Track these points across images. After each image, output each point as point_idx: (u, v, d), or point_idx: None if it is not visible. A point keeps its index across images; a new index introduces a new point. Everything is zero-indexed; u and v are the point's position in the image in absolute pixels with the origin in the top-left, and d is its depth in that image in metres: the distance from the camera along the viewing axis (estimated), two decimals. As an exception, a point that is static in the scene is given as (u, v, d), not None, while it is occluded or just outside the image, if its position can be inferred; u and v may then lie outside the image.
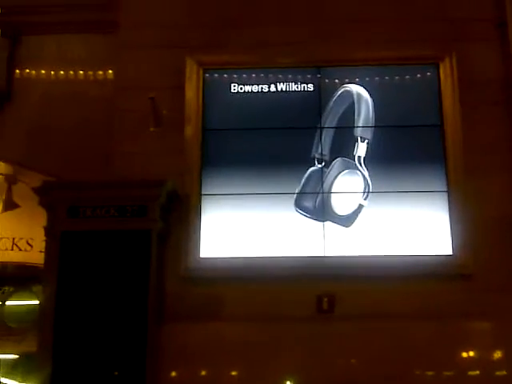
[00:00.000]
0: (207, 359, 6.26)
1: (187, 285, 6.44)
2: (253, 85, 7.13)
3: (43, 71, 7.59)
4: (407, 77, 7.02)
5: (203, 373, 6.28)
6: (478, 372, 6.19)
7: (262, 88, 7.12)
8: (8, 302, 8.00)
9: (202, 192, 6.82)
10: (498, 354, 6.22)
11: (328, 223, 6.71)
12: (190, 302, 6.38)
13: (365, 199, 6.73)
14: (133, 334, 6.12)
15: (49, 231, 6.51)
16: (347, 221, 6.71)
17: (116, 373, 6.02)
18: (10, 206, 7.12)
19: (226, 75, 7.18)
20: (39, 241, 6.91)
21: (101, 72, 7.56)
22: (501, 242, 6.46)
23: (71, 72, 7.57)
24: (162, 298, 6.39)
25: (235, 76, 7.16)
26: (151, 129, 6.88)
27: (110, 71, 7.50)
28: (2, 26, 7.53)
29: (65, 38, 7.67)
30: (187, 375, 6.28)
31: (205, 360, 6.27)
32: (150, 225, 6.43)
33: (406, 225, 6.63)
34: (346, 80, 7.07)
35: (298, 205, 6.76)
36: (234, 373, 6.31)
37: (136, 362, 6.05)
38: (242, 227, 6.71)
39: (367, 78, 7.05)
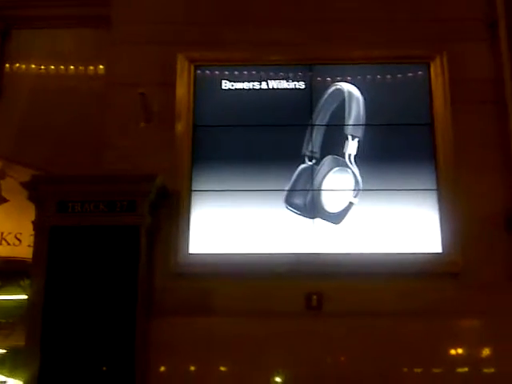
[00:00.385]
0: (196, 354, 6.27)
1: (176, 280, 6.43)
2: (244, 82, 7.14)
3: (33, 65, 7.56)
4: (398, 76, 7.04)
5: (192, 368, 6.29)
6: (466, 369, 6.23)
7: (253, 85, 7.13)
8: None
9: (192, 188, 6.80)
10: (486, 352, 6.27)
11: (318, 220, 6.72)
12: (179, 298, 6.37)
13: (355, 197, 6.75)
14: (122, 329, 6.11)
15: (37, 226, 6.48)
16: (337, 218, 6.72)
17: (104, 368, 6.02)
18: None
19: (217, 72, 7.18)
20: (28, 235, 6.89)
21: (92, 67, 7.54)
22: (490, 240, 6.51)
23: (62, 67, 7.54)
24: (150, 293, 6.37)
25: (227, 73, 7.16)
26: (142, 124, 6.91)
27: (101, 66, 7.48)
28: (-8, 19, 7.56)
29: (56, 33, 7.65)
30: (176, 370, 6.29)
31: (194, 355, 6.27)
32: (140, 220, 6.43)
33: (396, 223, 6.65)
34: (338, 78, 7.08)
35: (289, 202, 6.77)
36: (222, 368, 6.32)
37: (125, 356, 6.04)
38: (232, 223, 6.70)
39: (359, 77, 7.07)
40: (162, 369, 6.29)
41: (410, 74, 7.06)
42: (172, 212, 6.68)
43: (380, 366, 6.19)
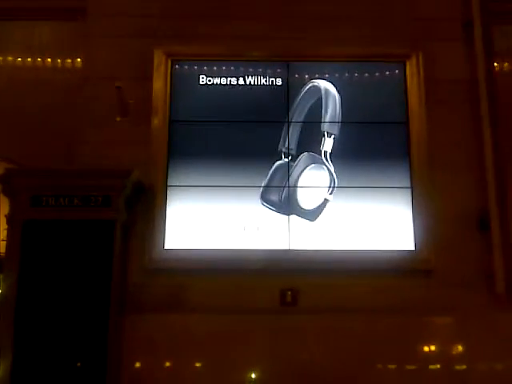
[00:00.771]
0: (171, 351, 6.08)
1: (151, 276, 6.24)
2: (221, 77, 6.93)
3: (9, 58, 7.23)
4: (375, 74, 6.89)
5: (167, 364, 6.09)
6: (438, 366, 6.13)
7: (230, 81, 6.92)
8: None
9: (168, 183, 6.59)
10: (458, 349, 6.18)
11: (293, 217, 6.55)
12: (154, 294, 6.18)
13: (330, 194, 6.59)
14: (95, 325, 5.89)
15: (11, 219, 6.21)
16: (312, 215, 6.56)
17: (77, 363, 5.78)
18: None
19: (195, 67, 6.95)
20: (1, 229, 6.59)
21: (68, 60, 7.21)
22: (462, 239, 6.40)
23: (38, 59, 7.21)
24: (125, 289, 6.16)
25: (204, 68, 6.94)
26: (118, 118, 6.67)
27: (78, 59, 7.17)
28: (-32, 10, 7.19)
29: (32, 25, 7.30)
30: (151, 366, 6.08)
31: (168, 351, 6.09)
32: (115, 215, 6.19)
33: (371, 220, 6.52)
34: (315, 75, 6.91)
35: (264, 198, 6.59)
36: (197, 364, 6.12)
37: (97, 352, 5.82)
38: (208, 219, 6.51)
39: (336, 74, 6.90)
40: (137, 365, 6.08)
41: (387, 73, 6.90)
42: (148, 207, 6.48)
43: (354, 362, 6.07)
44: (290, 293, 6.25)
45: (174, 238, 6.45)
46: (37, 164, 6.60)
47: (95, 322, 5.89)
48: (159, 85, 6.80)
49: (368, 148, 6.68)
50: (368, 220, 6.52)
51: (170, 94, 6.85)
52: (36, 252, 6.09)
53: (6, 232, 6.25)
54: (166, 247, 6.40)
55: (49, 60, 7.23)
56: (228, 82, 6.92)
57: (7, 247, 6.17)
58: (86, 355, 5.83)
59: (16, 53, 7.24)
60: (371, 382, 6.08)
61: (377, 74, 6.89)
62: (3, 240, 6.36)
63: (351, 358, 6.06)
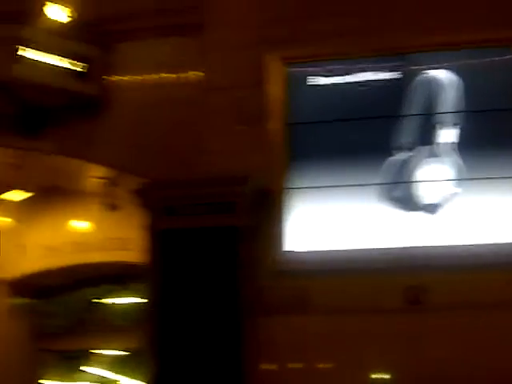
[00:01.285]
0: (297, 352, 6.05)
1: (276, 279, 6.19)
2: (335, 76, 6.67)
3: (136, 77, 7.41)
4: (495, 59, 6.32)
5: (297, 365, 6.07)
6: None
7: (344, 79, 6.66)
8: (111, 300, 8.06)
9: (289, 186, 6.51)
10: None
11: (416, 213, 6.24)
12: (280, 296, 6.13)
13: (452, 186, 6.19)
14: (229, 329, 5.98)
15: (148, 230, 6.40)
16: (436, 209, 6.20)
17: (213, 367, 5.87)
18: (112, 207, 7.12)
19: (308, 68, 6.75)
20: (136, 240, 6.76)
21: (189, 74, 7.27)
22: None
23: (162, 76, 7.34)
24: (253, 292, 6.14)
25: (318, 68, 6.72)
26: (238, 127, 6.63)
27: (199, 73, 7.18)
28: (96, 35, 7.40)
29: (155, 43, 7.41)
30: (281, 367, 6.08)
31: (295, 353, 6.06)
32: (239, 221, 6.25)
33: (497, 212, 6.05)
34: (431, 65, 6.48)
35: (386, 195, 6.31)
36: (323, 365, 6.05)
37: (233, 356, 5.90)
38: (329, 220, 6.36)
39: (453, 62, 6.42)
40: (266, 367, 6.08)
41: (506, 57, 6.27)
42: (270, 210, 6.42)
43: (487, 359, 5.68)
44: (416, 291, 5.95)
45: (297, 239, 6.38)
46: (166, 176, 6.71)
47: (229, 326, 5.97)
48: (274, 89, 6.71)
49: (490, 137, 6.18)
50: (494, 212, 6.04)
51: (286, 97, 6.72)
52: (173, 260, 6.30)
53: (141, 243, 6.40)
54: (288, 249, 6.35)
55: (171, 75, 7.31)
56: (342, 81, 6.66)
57: (148, 257, 6.36)
58: (222, 358, 5.92)
59: (141, 71, 7.38)
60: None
61: (494, 58, 6.33)
62: (139, 250, 6.52)
63: (485, 355, 5.66)
